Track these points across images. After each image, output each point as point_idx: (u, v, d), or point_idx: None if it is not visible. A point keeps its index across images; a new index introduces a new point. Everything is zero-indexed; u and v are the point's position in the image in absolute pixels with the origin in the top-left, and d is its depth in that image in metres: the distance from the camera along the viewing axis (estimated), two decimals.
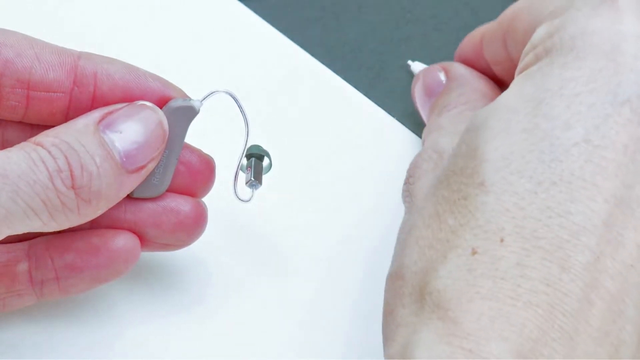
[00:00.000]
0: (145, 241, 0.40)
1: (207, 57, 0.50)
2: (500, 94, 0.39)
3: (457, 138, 0.38)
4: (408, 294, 0.35)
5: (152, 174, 0.39)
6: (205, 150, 0.41)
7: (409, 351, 0.33)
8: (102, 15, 0.51)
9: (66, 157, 0.36)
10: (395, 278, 0.36)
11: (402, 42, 0.50)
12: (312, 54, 0.50)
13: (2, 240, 0.36)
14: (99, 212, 0.38)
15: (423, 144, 0.42)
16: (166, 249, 0.41)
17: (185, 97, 0.40)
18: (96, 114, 0.37)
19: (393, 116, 0.49)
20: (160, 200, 0.40)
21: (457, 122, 0.41)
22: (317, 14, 0.52)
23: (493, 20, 0.44)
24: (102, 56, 0.39)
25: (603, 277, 0.32)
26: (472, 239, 0.33)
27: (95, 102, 0.39)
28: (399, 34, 0.51)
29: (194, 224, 0.40)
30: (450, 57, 0.47)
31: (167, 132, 0.38)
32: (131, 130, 0.37)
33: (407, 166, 0.41)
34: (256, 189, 0.42)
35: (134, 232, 0.40)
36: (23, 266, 0.39)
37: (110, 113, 0.38)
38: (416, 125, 0.48)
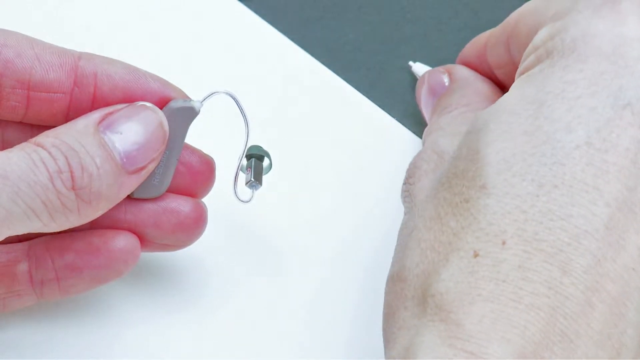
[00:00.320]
0: (145, 242, 0.40)
1: (207, 57, 0.50)
2: (501, 96, 0.39)
3: (457, 139, 0.38)
4: (410, 297, 0.35)
5: (152, 174, 0.39)
6: (206, 151, 0.41)
7: (411, 353, 0.33)
8: (101, 16, 0.51)
9: (66, 158, 0.36)
10: (396, 280, 0.36)
11: (403, 42, 0.50)
12: (312, 54, 0.50)
13: (2, 240, 0.36)
14: (100, 213, 0.38)
15: (423, 144, 0.42)
16: (166, 249, 0.41)
17: (186, 97, 0.40)
18: (96, 115, 0.37)
19: (393, 116, 0.49)
20: (161, 201, 0.40)
21: (457, 124, 0.41)
22: (317, 14, 0.52)
23: (493, 20, 0.44)
24: (103, 57, 0.39)
25: (604, 281, 0.32)
26: (473, 241, 0.33)
27: (95, 102, 0.39)
28: (399, 34, 0.51)
29: (194, 225, 0.40)
30: (450, 57, 0.47)
31: (168, 133, 0.38)
32: (131, 131, 0.37)
33: (407, 166, 0.41)
34: (256, 189, 0.42)
35: (134, 233, 0.40)
36: (23, 266, 0.39)
37: (111, 114, 0.37)
38: (416, 125, 0.48)
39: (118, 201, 0.38)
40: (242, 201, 0.42)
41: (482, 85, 0.44)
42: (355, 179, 0.47)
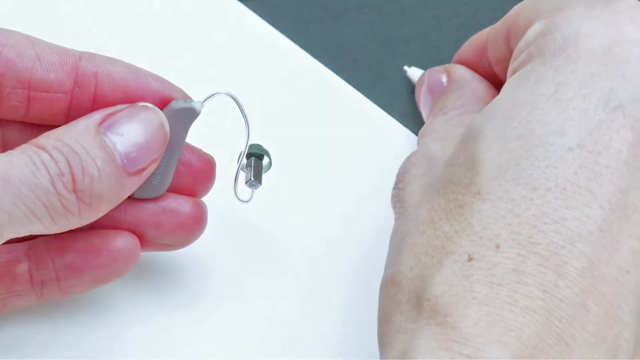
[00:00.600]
0: (145, 242, 0.40)
1: (207, 57, 0.50)
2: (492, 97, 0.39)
3: (449, 143, 0.38)
4: (405, 301, 0.35)
5: (152, 174, 0.39)
6: (206, 151, 0.41)
7: (408, 357, 0.33)
8: (101, 16, 0.51)
9: (67, 160, 0.36)
10: (390, 285, 0.36)
11: (402, 42, 0.50)
12: (312, 54, 0.50)
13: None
14: (100, 214, 0.38)
15: (418, 145, 0.43)
16: (166, 249, 0.41)
17: (187, 97, 0.40)
18: (97, 116, 0.37)
19: (393, 116, 0.49)
20: (160, 201, 0.40)
21: (451, 126, 0.41)
22: (317, 14, 0.52)
23: (493, 20, 0.44)
24: (104, 56, 0.39)
25: (599, 283, 0.32)
26: (467, 245, 0.33)
27: (96, 102, 0.39)
28: (399, 34, 0.51)
29: (194, 225, 0.40)
30: (449, 57, 0.47)
31: (169, 134, 0.38)
32: (132, 132, 0.37)
33: None
34: (256, 188, 0.42)
35: (134, 233, 0.40)
36: (23, 266, 0.39)
37: (112, 114, 0.37)
38: (416, 125, 0.48)
39: (119, 202, 0.38)
40: (241, 201, 0.42)
41: (478, 86, 0.44)
42: (355, 178, 0.47)
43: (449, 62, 0.47)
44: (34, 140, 0.37)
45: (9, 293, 0.39)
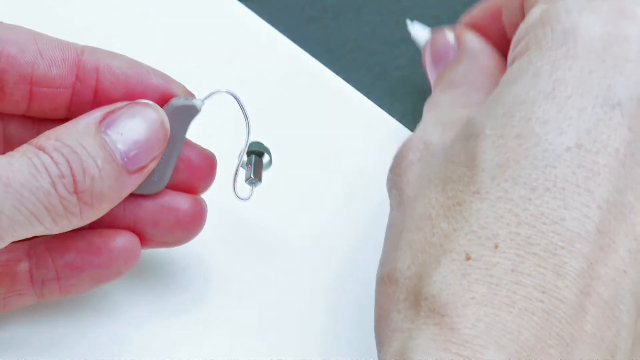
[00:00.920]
0: (144, 239, 0.40)
1: (207, 57, 0.50)
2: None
3: (449, 129, 0.38)
4: (402, 300, 0.34)
5: (152, 171, 0.39)
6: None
7: (406, 357, 0.32)
8: (101, 17, 0.51)
9: (68, 162, 0.36)
10: (387, 282, 0.36)
11: (402, 42, 0.50)
12: (312, 54, 0.50)
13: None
14: (102, 214, 0.38)
15: (423, 118, 0.42)
16: (165, 246, 0.41)
17: (188, 93, 0.40)
18: (97, 114, 0.37)
19: (393, 116, 0.49)
20: (160, 198, 0.40)
21: (456, 105, 0.40)
22: (317, 14, 0.52)
23: None
24: (106, 51, 0.39)
25: (596, 284, 0.32)
26: (466, 244, 0.33)
27: (97, 97, 0.39)
28: (399, 34, 0.51)
29: (192, 222, 0.40)
30: None
31: (169, 132, 0.38)
32: (133, 130, 0.37)
33: None
34: (255, 186, 0.42)
35: (134, 231, 0.40)
36: (23, 266, 0.39)
37: (112, 112, 0.37)
38: (416, 125, 0.48)
39: (120, 200, 0.38)
40: (241, 199, 0.42)
41: (489, 61, 0.42)
42: (355, 178, 0.47)
43: None
44: (34, 141, 0.36)
45: (10, 292, 0.39)
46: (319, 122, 0.48)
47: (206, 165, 0.41)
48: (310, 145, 0.48)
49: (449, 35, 0.44)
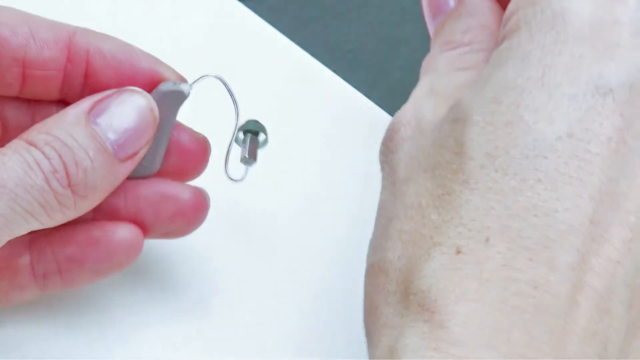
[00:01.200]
0: (145, 229, 0.40)
1: (206, 57, 0.50)
2: None
3: (443, 102, 0.37)
4: (392, 292, 0.34)
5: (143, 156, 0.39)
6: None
7: (395, 356, 0.32)
8: (99, 15, 0.51)
9: (60, 156, 0.36)
10: (377, 272, 0.35)
11: (402, 42, 0.50)
12: (312, 54, 0.50)
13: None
14: (96, 203, 0.38)
15: (420, 80, 0.40)
16: (167, 237, 0.41)
17: (178, 76, 0.40)
18: (86, 104, 0.37)
19: (393, 116, 0.49)
20: (160, 188, 0.40)
21: (454, 69, 0.39)
22: (317, 14, 0.52)
23: None
24: (98, 33, 0.39)
25: (589, 276, 0.32)
26: (456, 237, 0.33)
27: (87, 79, 0.39)
28: (399, 34, 0.51)
29: (194, 212, 0.40)
30: None
31: (158, 118, 0.38)
32: (122, 118, 0.37)
33: None
34: (250, 165, 0.41)
35: (135, 221, 0.39)
36: (25, 259, 0.39)
37: (100, 101, 0.37)
38: None
39: (113, 189, 0.38)
40: (233, 180, 0.41)
41: (490, 17, 0.40)
42: (355, 178, 0.47)
43: None
44: (25, 136, 0.37)
45: (12, 286, 0.39)
46: (319, 122, 0.48)
47: (199, 149, 0.41)
48: (310, 145, 0.48)
49: None
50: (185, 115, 0.40)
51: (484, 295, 0.32)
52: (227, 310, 0.43)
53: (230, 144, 0.41)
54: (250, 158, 0.41)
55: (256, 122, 0.42)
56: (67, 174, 0.36)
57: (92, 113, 0.37)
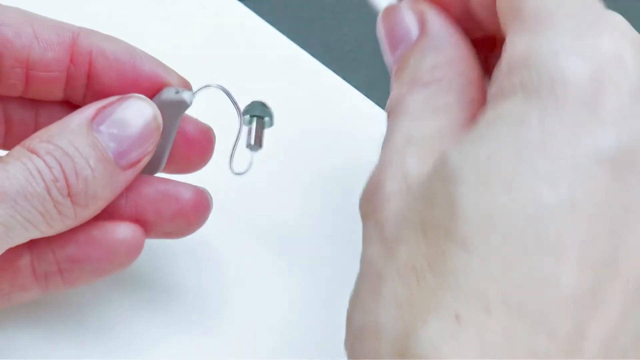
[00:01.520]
0: (146, 229, 0.39)
1: (206, 56, 0.50)
2: (480, 74, 0.37)
3: (427, 153, 0.35)
4: (385, 356, 0.32)
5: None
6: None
7: None
8: (99, 16, 0.51)
9: (61, 165, 0.36)
10: (368, 335, 0.33)
11: None
12: (312, 54, 0.50)
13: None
14: (97, 212, 0.38)
15: (388, 120, 0.38)
16: (168, 237, 0.40)
17: (181, 79, 0.39)
18: (90, 111, 0.37)
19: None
20: (162, 187, 0.40)
21: (427, 110, 0.37)
22: (317, 14, 0.52)
23: None
24: (101, 34, 0.39)
25: (587, 344, 0.31)
26: (454, 302, 0.31)
27: (90, 81, 0.39)
28: None
29: (195, 212, 0.40)
30: None
31: (161, 125, 0.38)
32: (125, 126, 0.37)
33: None
34: (255, 151, 0.41)
35: (136, 220, 0.39)
36: (25, 260, 0.39)
37: (104, 108, 0.37)
38: None
39: (115, 197, 0.38)
40: (236, 173, 0.41)
41: (459, 53, 0.38)
42: (356, 178, 0.47)
43: None
44: (26, 143, 0.36)
45: (13, 287, 0.39)
46: (319, 123, 0.49)
47: (204, 139, 0.40)
48: (310, 145, 0.48)
49: (408, 13, 0.39)
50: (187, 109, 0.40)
51: None
52: (229, 310, 0.43)
53: (235, 145, 0.41)
54: (255, 145, 0.41)
55: (262, 104, 0.41)
56: (67, 183, 0.36)
57: (96, 120, 0.37)
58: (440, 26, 0.38)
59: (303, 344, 0.43)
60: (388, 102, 0.38)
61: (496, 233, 0.31)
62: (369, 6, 0.40)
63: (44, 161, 0.36)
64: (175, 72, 0.40)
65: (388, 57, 0.39)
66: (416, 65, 0.38)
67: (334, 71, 0.50)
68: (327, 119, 0.49)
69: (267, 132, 0.42)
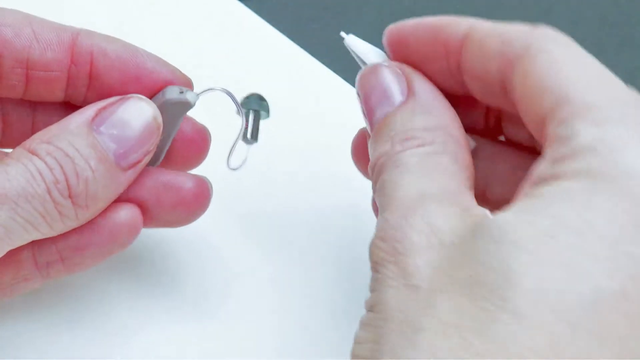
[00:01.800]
0: (146, 217, 0.40)
1: (206, 56, 0.50)
2: (466, 138, 0.37)
3: (449, 208, 0.35)
4: None
5: None
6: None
7: None
8: (100, 17, 0.51)
9: (61, 167, 0.36)
10: None
11: None
12: (312, 54, 0.50)
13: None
14: (99, 212, 0.38)
15: (377, 172, 0.37)
16: (168, 226, 0.40)
17: (183, 77, 0.40)
18: (90, 112, 0.37)
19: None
20: (162, 177, 0.40)
21: (432, 171, 0.36)
22: (317, 14, 0.52)
23: (494, 20, 0.43)
24: (102, 34, 0.39)
25: None
26: None
27: (92, 80, 0.39)
28: None
29: (195, 201, 0.40)
30: None
31: (161, 126, 0.38)
32: (125, 127, 0.37)
33: None
34: (251, 145, 0.41)
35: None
36: (27, 253, 0.39)
37: (104, 109, 0.37)
38: None
39: (116, 197, 0.38)
40: (231, 169, 0.41)
41: (447, 119, 0.37)
42: (356, 179, 0.47)
43: None
44: (27, 144, 0.36)
45: (15, 279, 0.39)
46: (319, 123, 0.49)
47: (199, 138, 0.41)
48: (310, 145, 0.48)
49: (389, 76, 0.39)
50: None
51: None
52: (229, 306, 0.43)
53: (235, 143, 0.41)
54: (252, 138, 0.41)
55: (259, 97, 0.41)
56: (68, 185, 0.36)
57: (96, 121, 0.37)
58: (427, 90, 0.38)
59: (303, 343, 0.43)
60: (374, 158, 0.37)
61: (549, 308, 0.31)
62: (356, 61, 0.40)
63: (45, 162, 0.36)
64: (178, 70, 0.40)
65: (368, 113, 0.38)
66: (405, 125, 0.37)
67: (334, 71, 0.50)
68: (327, 119, 0.49)
69: (267, 132, 0.42)
